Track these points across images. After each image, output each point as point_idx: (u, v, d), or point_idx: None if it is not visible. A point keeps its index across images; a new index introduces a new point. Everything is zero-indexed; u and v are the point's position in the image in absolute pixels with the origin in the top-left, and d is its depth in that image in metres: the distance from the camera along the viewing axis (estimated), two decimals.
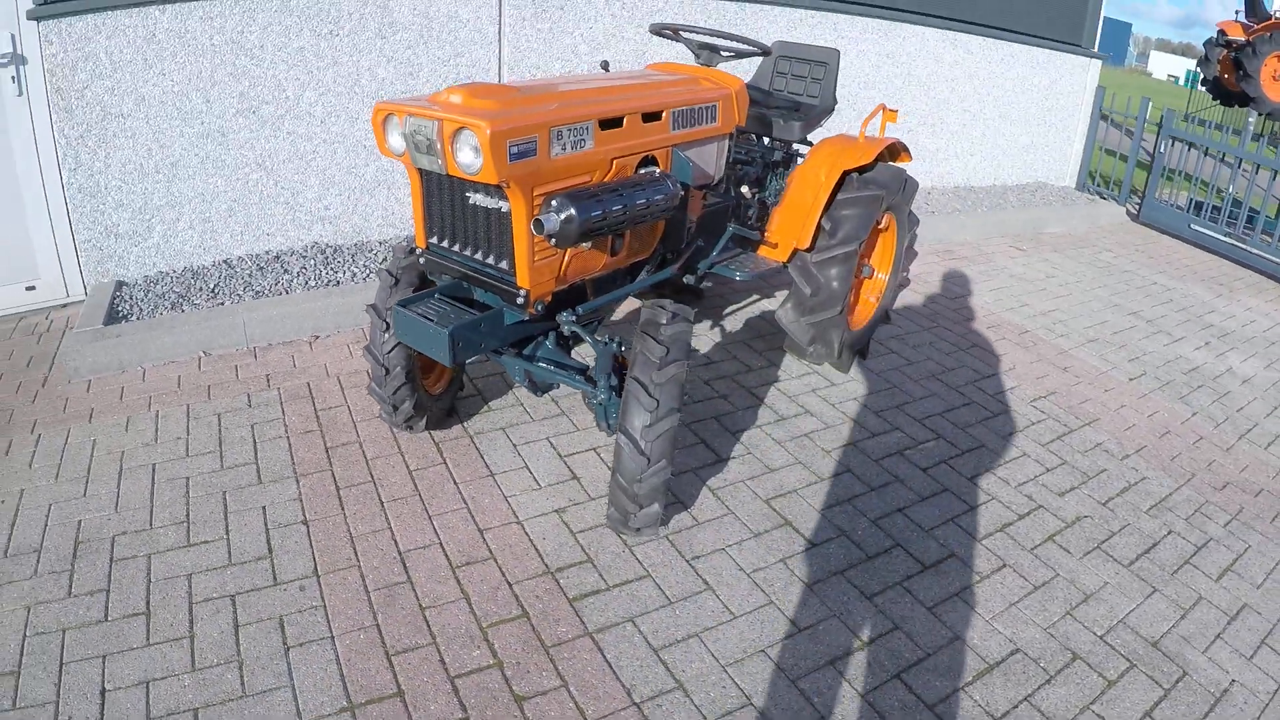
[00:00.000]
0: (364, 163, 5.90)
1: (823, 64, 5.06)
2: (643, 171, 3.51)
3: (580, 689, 2.78)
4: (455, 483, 3.71)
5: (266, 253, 5.66)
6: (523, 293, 3.18)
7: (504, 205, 3.09)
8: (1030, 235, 8.22)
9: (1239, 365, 5.75)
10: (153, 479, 3.60)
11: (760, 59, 5.29)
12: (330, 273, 5.45)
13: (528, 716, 2.65)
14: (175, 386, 4.27)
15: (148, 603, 2.95)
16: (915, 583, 3.39)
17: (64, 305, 5.18)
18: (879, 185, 4.54)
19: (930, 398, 4.78)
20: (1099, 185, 9.69)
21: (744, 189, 4.57)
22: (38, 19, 4.68)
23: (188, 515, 3.39)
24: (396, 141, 3.08)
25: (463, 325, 3.16)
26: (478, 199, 3.17)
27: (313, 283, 5.29)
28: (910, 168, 8.57)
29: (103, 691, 2.61)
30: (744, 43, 4.09)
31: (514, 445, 4.02)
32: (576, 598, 3.16)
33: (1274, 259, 7.70)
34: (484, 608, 3.05)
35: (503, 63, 6.16)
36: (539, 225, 2.92)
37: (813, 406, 4.58)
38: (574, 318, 3.44)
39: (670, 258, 4.08)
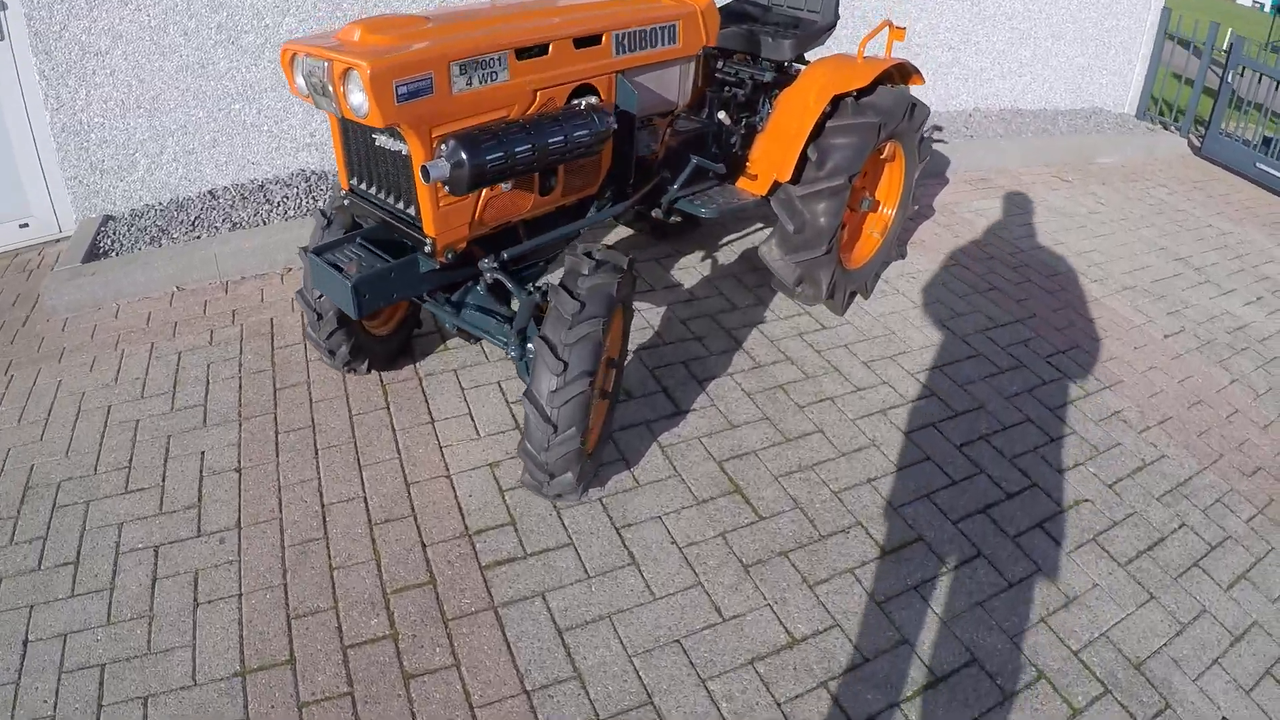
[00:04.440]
0: None
1: None
2: (570, 104, 3.08)
3: (471, 670, 2.57)
4: (393, 429, 3.51)
5: (251, 181, 5.52)
6: (429, 241, 2.87)
7: (405, 148, 2.77)
8: (1078, 165, 7.53)
9: None
10: (106, 421, 3.58)
11: None
12: (312, 201, 5.28)
13: (413, 696, 2.49)
14: (144, 324, 4.23)
15: (78, 553, 2.95)
16: (868, 571, 2.96)
17: (56, 240, 5.25)
18: (877, 111, 4.00)
19: (930, 348, 4.27)
20: (1160, 114, 8.90)
21: (723, 115, 4.07)
22: None
23: (130, 461, 3.35)
24: (301, 83, 2.77)
25: (369, 276, 2.89)
26: (383, 141, 2.88)
27: (292, 213, 5.14)
28: (953, 88, 7.93)
29: (25, 642, 2.64)
30: None
31: (462, 389, 3.74)
32: (489, 565, 2.91)
33: None
34: (393, 571, 2.88)
35: None
36: (425, 173, 2.58)
37: (794, 352, 4.10)
38: (496, 264, 3.04)
39: (628, 191, 3.62)
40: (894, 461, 3.46)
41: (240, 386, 3.75)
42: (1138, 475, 3.59)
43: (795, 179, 3.95)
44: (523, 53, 2.87)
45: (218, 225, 4.96)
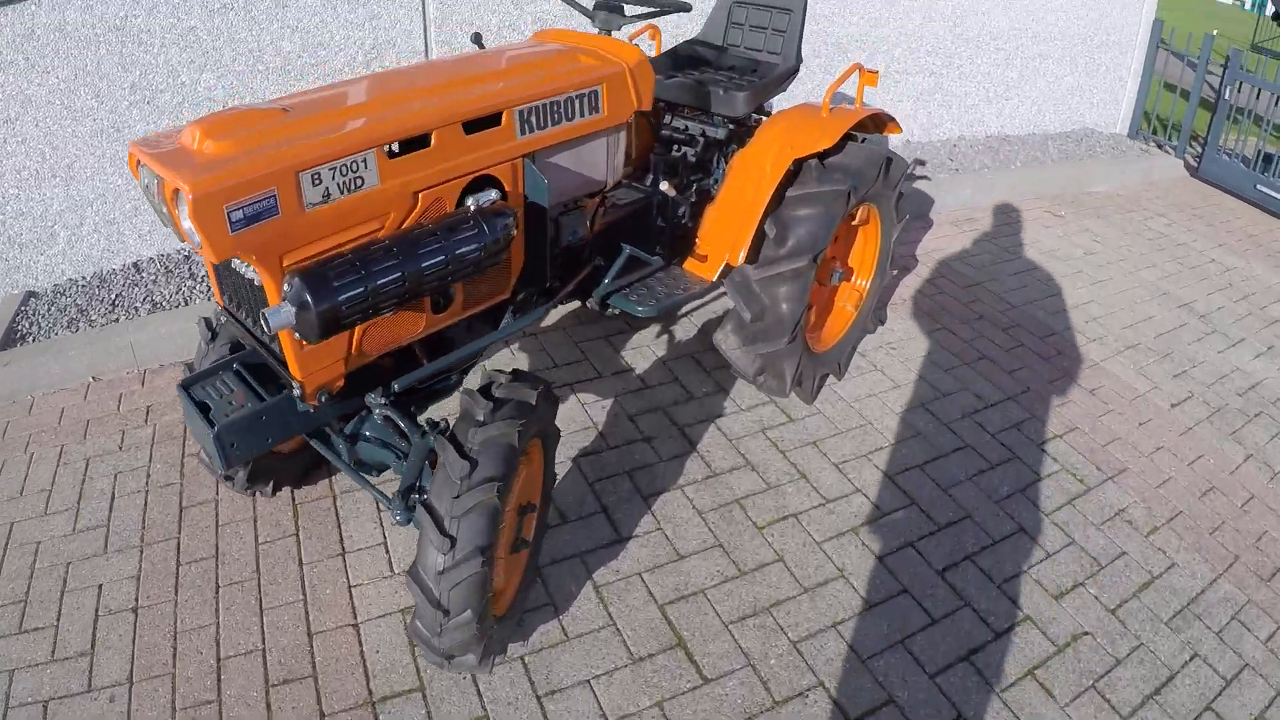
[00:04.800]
0: None
1: (785, 11, 4.02)
2: (456, 211, 2.53)
3: None
4: (300, 563, 3.12)
5: (177, 251, 5.14)
6: (297, 385, 2.40)
7: (257, 277, 2.26)
8: (1071, 196, 7.09)
9: None
10: (7, 543, 3.25)
11: (713, 7, 4.25)
12: None
13: None
14: (56, 422, 3.88)
15: None
16: None
17: None
18: (846, 174, 3.55)
19: (913, 439, 3.83)
20: (1154, 131, 8.45)
21: (666, 185, 3.55)
22: None
23: (28, 593, 3.03)
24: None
25: (236, 422, 2.43)
26: (236, 262, 2.40)
27: None
28: (936, 115, 7.49)
29: None
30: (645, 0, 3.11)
31: (378, 510, 3.32)
32: None
33: None
34: None
35: (429, 22, 5.22)
36: (266, 322, 2.08)
37: (756, 455, 3.67)
38: (385, 400, 2.57)
39: (554, 286, 3.18)
40: (864, 597, 3.03)
41: (146, 504, 3.37)
42: (1144, 594, 3.16)
43: (753, 256, 3.51)
44: (396, 148, 2.37)
45: (138, 305, 4.61)
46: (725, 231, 3.53)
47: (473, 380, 3.24)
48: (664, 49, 4.30)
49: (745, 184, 3.52)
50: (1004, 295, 5.20)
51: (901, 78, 7.15)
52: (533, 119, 2.70)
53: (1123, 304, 5.27)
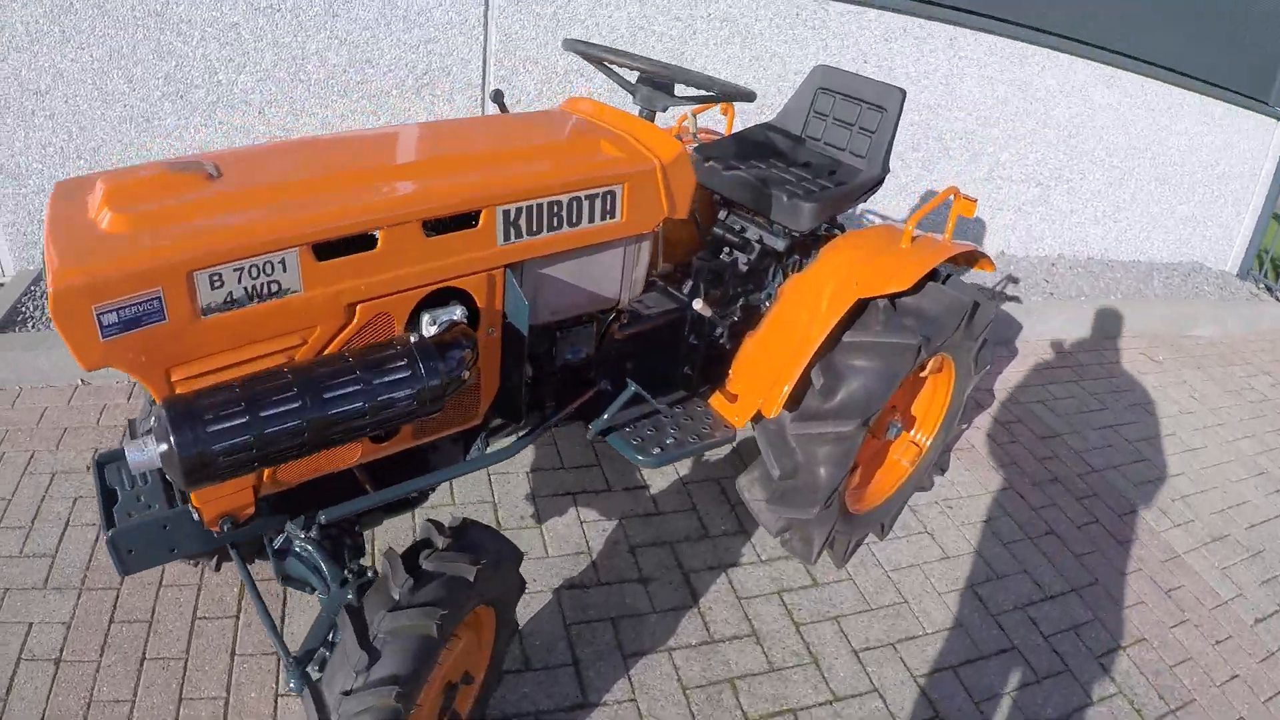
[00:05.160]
0: None
1: (878, 109, 3.43)
2: (399, 337, 1.96)
3: None
4: (232, 653, 2.77)
5: None
6: (193, 511, 1.95)
7: None
8: (1171, 339, 6.46)
9: None
10: None
11: (801, 84, 3.72)
12: None
13: None
14: (35, 423, 3.70)
15: None
16: None
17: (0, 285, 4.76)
18: (919, 322, 2.98)
19: (953, 631, 3.29)
20: (1266, 274, 7.79)
21: (700, 305, 2.99)
22: None
23: None
24: None
25: (134, 528, 1.99)
26: None
27: None
28: (1036, 230, 6.92)
29: None
30: (698, 82, 2.57)
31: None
32: None
33: None
34: None
35: (489, 54, 4.85)
36: (127, 458, 1.63)
37: (766, 622, 3.16)
38: (305, 533, 2.13)
39: (545, 409, 2.69)
40: None
41: (96, 541, 3.11)
42: None
43: (794, 402, 2.97)
44: (327, 248, 1.82)
45: None
46: (764, 369, 2.99)
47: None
48: (736, 129, 3.82)
49: (796, 317, 2.98)
50: (1085, 454, 4.61)
51: (1004, 184, 6.61)
52: (522, 221, 2.11)
53: (1215, 481, 4.65)
